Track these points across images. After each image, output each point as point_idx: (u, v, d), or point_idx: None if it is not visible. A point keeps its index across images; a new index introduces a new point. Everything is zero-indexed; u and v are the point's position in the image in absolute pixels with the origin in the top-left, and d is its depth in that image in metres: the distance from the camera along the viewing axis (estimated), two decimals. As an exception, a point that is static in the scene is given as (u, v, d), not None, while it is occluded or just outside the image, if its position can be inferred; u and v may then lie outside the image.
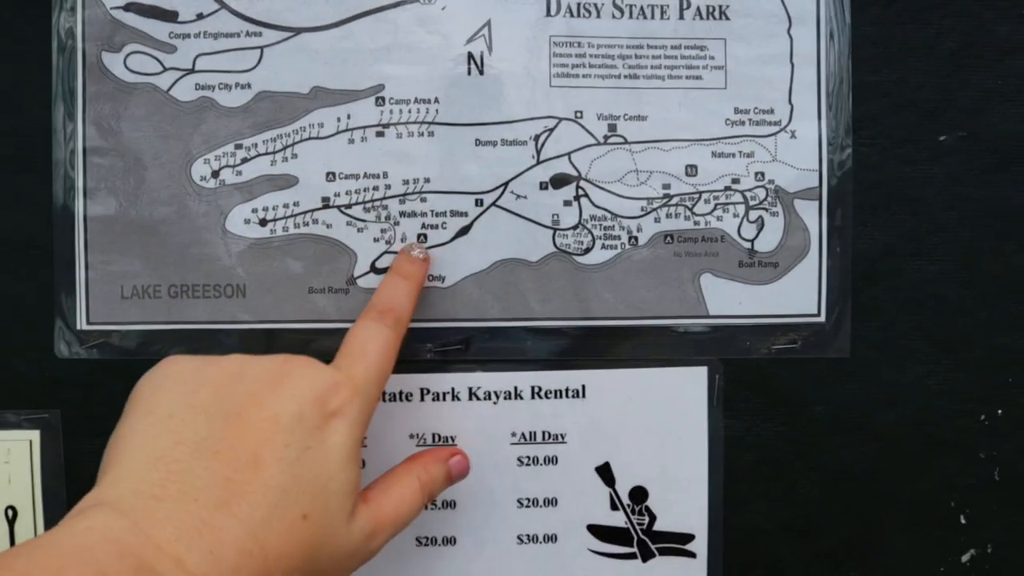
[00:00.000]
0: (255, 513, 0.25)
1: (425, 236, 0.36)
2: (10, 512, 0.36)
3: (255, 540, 0.24)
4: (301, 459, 0.26)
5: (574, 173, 0.36)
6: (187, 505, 0.24)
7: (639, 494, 0.37)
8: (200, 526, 0.24)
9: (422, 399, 0.36)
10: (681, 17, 0.36)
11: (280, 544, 0.25)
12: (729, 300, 0.37)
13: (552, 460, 0.37)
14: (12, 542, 0.37)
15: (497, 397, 0.37)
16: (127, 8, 0.36)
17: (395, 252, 0.36)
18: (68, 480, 0.36)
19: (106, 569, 0.22)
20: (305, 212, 0.36)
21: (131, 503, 0.24)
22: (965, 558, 0.38)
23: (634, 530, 0.37)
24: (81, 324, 0.36)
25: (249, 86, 0.36)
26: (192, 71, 0.36)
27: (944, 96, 0.37)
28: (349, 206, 0.36)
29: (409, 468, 0.32)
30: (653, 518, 0.37)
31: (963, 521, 0.38)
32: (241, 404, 0.26)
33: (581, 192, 0.36)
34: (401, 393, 0.36)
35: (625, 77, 0.36)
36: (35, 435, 0.36)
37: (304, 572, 0.26)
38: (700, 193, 0.37)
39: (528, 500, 0.37)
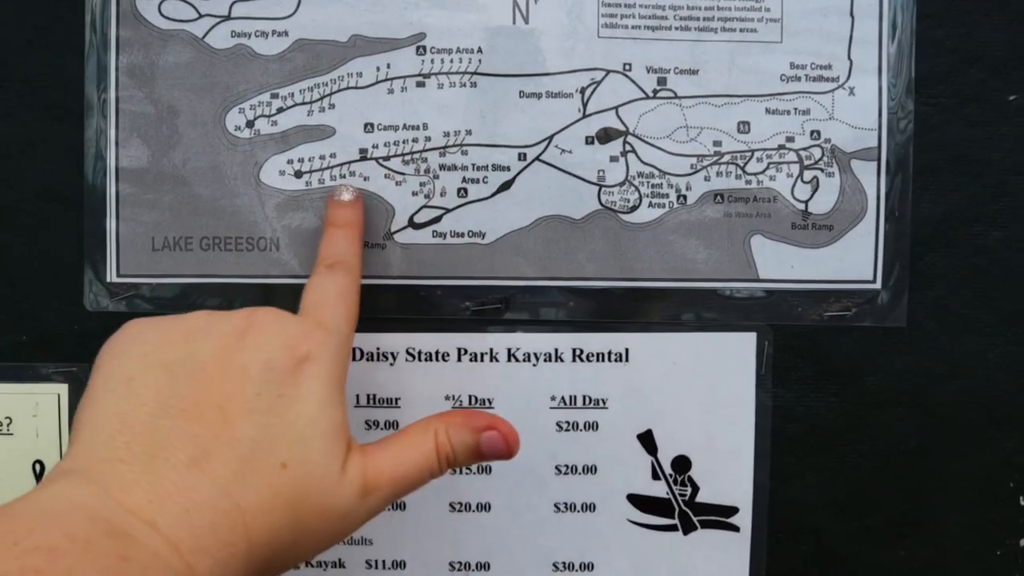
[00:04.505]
0: (225, 469, 0.24)
1: (465, 191, 0.35)
2: (38, 467, 0.36)
3: (229, 498, 0.23)
4: (274, 407, 0.25)
5: (621, 128, 0.35)
6: (156, 466, 0.23)
7: (682, 464, 0.36)
8: (171, 488, 0.23)
9: (459, 359, 0.35)
10: (736, -34, 0.35)
11: (257, 499, 0.24)
12: (780, 264, 0.35)
13: (592, 426, 0.35)
14: (39, 497, 0.36)
15: (537, 359, 0.35)
16: (163, -50, 0.35)
17: (434, 207, 0.35)
18: (96, 435, 0.36)
19: (75, 532, 0.21)
20: (342, 164, 0.35)
21: (98, 469, 0.23)
22: None
23: (676, 501, 0.36)
24: (111, 276, 0.35)
25: (286, 34, 0.35)
26: (228, 18, 0.35)
27: (1015, 53, 0.35)
28: (387, 158, 0.35)
29: (427, 425, 0.28)
30: (696, 489, 0.36)
31: (1022, 503, 0.36)
32: (206, 359, 0.25)
33: (628, 148, 0.35)
34: (438, 353, 0.35)
35: (676, 29, 0.35)
36: (63, 389, 0.36)
37: (289, 530, 0.25)
38: (752, 151, 0.35)
39: (566, 467, 0.36)
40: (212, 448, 0.24)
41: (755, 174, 0.35)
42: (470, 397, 0.35)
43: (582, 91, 0.35)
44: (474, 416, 0.29)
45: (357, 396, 0.35)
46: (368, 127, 0.35)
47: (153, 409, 0.24)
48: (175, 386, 0.25)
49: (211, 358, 0.25)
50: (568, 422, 0.36)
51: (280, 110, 0.35)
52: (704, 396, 0.35)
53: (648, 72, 0.35)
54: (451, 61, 0.35)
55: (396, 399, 0.35)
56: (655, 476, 0.36)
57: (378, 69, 0.35)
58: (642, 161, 0.35)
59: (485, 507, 0.36)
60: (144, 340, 0.26)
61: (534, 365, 0.35)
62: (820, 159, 0.35)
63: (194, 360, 0.25)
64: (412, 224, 0.35)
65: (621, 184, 0.35)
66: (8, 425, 0.36)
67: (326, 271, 0.30)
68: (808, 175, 0.35)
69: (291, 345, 0.26)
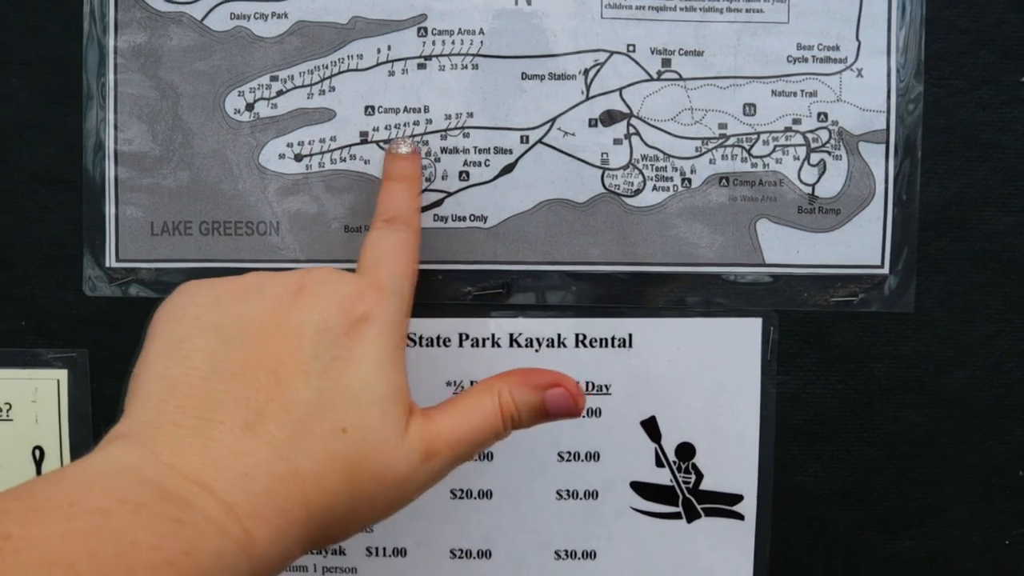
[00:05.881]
0: (280, 433, 0.23)
1: (467, 174, 0.34)
2: (37, 452, 0.36)
3: (285, 462, 0.23)
4: (329, 370, 0.24)
5: (625, 110, 0.34)
6: (210, 430, 0.23)
7: (686, 451, 0.35)
8: (225, 451, 0.22)
9: (460, 344, 0.35)
10: (743, -55, 0.34)
11: (314, 464, 0.23)
12: (786, 248, 0.35)
13: (595, 412, 0.35)
14: (39, 483, 0.36)
15: (539, 345, 0.35)
16: (161, -69, 0.34)
17: (436, 190, 0.34)
18: (95, 420, 0.35)
19: (126, 495, 0.20)
20: (342, 147, 0.34)
21: (150, 434, 0.22)
22: (1032, 529, 0.36)
23: (680, 489, 0.35)
24: (110, 261, 0.35)
25: (286, 16, 0.34)
26: (227, 0, 0.34)
27: (1026, 33, 0.34)
28: (388, 141, 0.34)
29: (489, 386, 0.27)
30: (700, 477, 0.35)
31: (1031, 490, 0.36)
32: (260, 321, 0.25)
33: (632, 130, 0.34)
34: (439, 338, 0.35)
35: (681, 9, 0.34)
36: (63, 374, 0.35)
37: (347, 496, 0.24)
38: (758, 134, 0.34)
39: (569, 454, 0.35)
40: (266, 411, 0.23)
41: (761, 157, 0.34)
42: (472, 383, 0.35)
43: (585, 73, 0.34)
44: (537, 374, 0.28)
45: (358, 382, 0.35)
46: (369, 110, 0.34)
47: (205, 372, 0.24)
48: (227, 349, 0.24)
49: (264, 319, 0.25)
50: (571, 408, 0.35)
51: (280, 93, 0.34)
52: (708, 382, 0.35)
53: (652, 53, 0.34)
54: (453, 43, 0.34)
55: (405, 342, 0.35)
56: (659, 463, 0.35)
57: (379, 51, 0.34)
58: (646, 144, 0.34)
59: (487, 494, 0.36)
60: (195, 303, 0.25)
61: (536, 351, 0.35)
62: (827, 142, 0.34)
63: (246, 322, 0.25)
64: (413, 208, 0.34)
65: (625, 167, 0.34)
66: (7, 411, 0.36)
67: (384, 226, 0.29)
68: (815, 158, 0.35)
69: (346, 305, 0.25)
